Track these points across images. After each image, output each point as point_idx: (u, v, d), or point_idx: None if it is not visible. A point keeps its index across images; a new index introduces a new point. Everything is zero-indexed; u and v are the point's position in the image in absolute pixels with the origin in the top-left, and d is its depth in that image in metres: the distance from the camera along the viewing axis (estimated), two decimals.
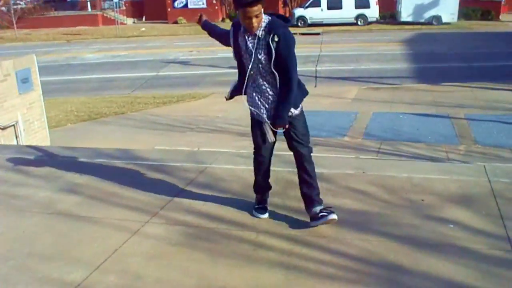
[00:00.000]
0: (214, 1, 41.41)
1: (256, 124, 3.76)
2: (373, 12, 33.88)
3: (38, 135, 9.90)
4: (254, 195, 4.14)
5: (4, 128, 9.00)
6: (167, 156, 5.62)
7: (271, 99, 3.64)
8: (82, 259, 3.53)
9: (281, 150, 4.18)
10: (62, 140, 10.88)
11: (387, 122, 12.31)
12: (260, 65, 3.54)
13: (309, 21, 34.35)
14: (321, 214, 3.71)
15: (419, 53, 22.67)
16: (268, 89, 3.64)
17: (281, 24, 3.48)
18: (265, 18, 3.47)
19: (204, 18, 4.07)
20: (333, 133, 11.30)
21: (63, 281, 3.27)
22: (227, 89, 3.88)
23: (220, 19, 42.12)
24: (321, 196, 3.84)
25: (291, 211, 4.08)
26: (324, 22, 33.92)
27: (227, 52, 23.35)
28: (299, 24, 34.40)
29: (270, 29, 3.44)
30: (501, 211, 3.99)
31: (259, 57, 3.50)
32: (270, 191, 4.18)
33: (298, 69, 3.56)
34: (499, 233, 3.65)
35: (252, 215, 4.03)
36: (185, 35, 34.69)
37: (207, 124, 12.70)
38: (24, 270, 3.43)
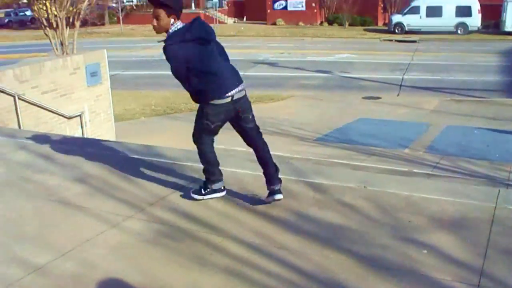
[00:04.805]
0: (313, 4, 41.34)
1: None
2: (474, 21, 32.18)
3: (104, 126, 10.49)
4: (239, 193, 4.52)
5: (70, 118, 9.65)
6: (183, 155, 5.75)
7: None
8: (54, 245, 3.74)
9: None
10: (127, 132, 11.46)
11: (457, 137, 11.71)
12: None
13: (406, 28, 33.36)
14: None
15: None
16: None
17: (170, 40, 3.95)
18: (178, 26, 4.01)
19: None
20: (394, 144, 10.94)
21: (28, 263, 3.49)
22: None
23: (319, 22, 42.00)
24: (307, 207, 4.20)
25: (265, 217, 4.05)
26: (422, 30, 32.76)
27: (316, 56, 23.43)
28: (396, 30, 33.53)
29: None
30: (490, 240, 3.69)
31: None
32: (256, 198, 4.42)
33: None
34: (474, 265, 3.38)
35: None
36: (280, 37, 35.02)
37: (273, 126, 12.74)
38: (1, 248, 3.71)
